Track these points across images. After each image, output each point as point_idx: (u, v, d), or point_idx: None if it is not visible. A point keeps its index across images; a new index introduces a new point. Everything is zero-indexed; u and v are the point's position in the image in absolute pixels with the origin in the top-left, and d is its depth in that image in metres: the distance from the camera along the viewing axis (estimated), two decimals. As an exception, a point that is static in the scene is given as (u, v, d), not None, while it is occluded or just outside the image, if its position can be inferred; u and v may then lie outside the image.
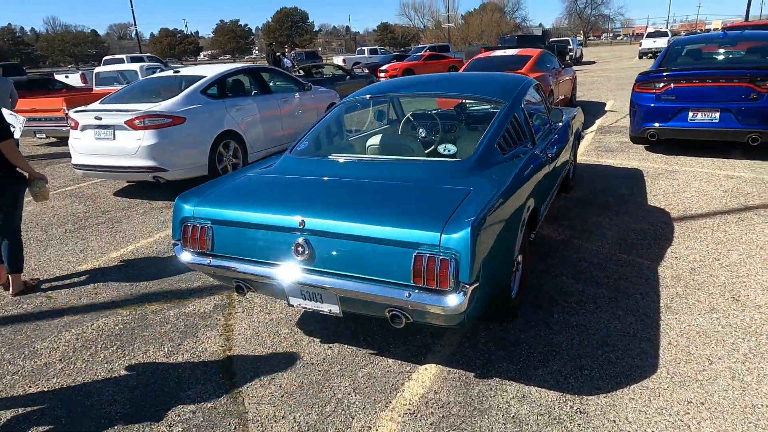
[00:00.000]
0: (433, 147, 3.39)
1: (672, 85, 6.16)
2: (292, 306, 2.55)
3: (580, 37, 68.35)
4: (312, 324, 3.06)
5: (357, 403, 2.37)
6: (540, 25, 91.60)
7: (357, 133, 4.21)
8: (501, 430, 2.14)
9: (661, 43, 30.72)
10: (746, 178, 5.37)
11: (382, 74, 20.80)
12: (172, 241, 2.82)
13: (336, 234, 2.28)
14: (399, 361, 2.66)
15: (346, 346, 2.82)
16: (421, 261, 2.09)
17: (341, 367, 2.64)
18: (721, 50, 6.84)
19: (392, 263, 2.17)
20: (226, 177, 3.02)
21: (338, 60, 30.41)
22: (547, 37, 27.82)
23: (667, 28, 56.24)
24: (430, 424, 2.20)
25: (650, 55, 30.61)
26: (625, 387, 2.35)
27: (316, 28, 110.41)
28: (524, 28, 78.79)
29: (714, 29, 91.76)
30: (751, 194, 4.87)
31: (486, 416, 2.23)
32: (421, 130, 3.74)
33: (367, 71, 20.97)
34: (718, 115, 5.89)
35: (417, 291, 2.12)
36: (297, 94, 7.79)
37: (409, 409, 2.31)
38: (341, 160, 2.96)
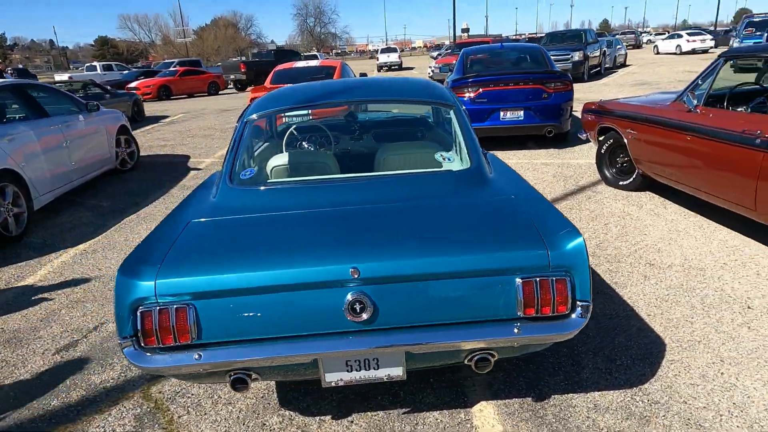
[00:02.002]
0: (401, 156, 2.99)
1: (481, 89, 6.91)
2: (328, 384, 1.90)
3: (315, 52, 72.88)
4: (298, 399, 2.37)
5: (448, 479, 1.89)
6: (272, 41, 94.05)
7: (291, 150, 3.48)
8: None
9: (394, 57, 34.91)
10: (558, 164, 6.38)
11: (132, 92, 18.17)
12: (119, 342, 1.80)
13: (404, 277, 1.76)
14: (446, 412, 2.24)
15: (368, 415, 2.26)
16: (531, 287, 1.75)
17: (389, 441, 2.09)
18: (503, 58, 8.00)
19: (489, 298, 1.78)
20: (155, 236, 2.06)
21: (61, 77, 25.50)
22: (294, 55, 28.53)
23: (387, 44, 65.22)
24: (547, 472, 1.90)
25: (386, 68, 34.35)
26: (659, 366, 2.44)
27: (9, 42, 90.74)
28: (261, 45, 79.81)
29: (418, 47, 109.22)
30: (572, 176, 5.78)
31: (586, 440, 2.03)
32: (366, 139, 3.29)
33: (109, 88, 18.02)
34: (522, 113, 6.85)
35: (527, 323, 1.79)
36: (80, 116, 6.15)
37: (509, 464, 1.95)
38: (322, 185, 2.35)
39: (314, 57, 30.46)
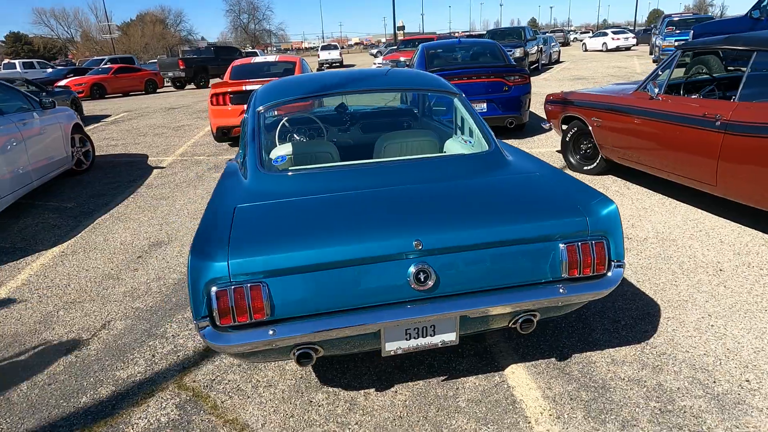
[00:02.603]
0: (420, 142, 3.11)
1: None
2: (387, 353, 2.01)
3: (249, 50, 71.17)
4: (338, 377, 2.46)
5: (501, 433, 2.06)
6: (202, 38, 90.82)
7: (302, 137, 3.53)
8: (638, 394, 2.22)
9: (335, 54, 34.86)
10: (521, 153, 6.73)
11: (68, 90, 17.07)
12: (195, 323, 1.82)
13: (461, 247, 1.91)
14: (481, 376, 2.41)
15: (409, 385, 2.39)
16: (573, 250, 1.95)
17: (436, 407, 2.23)
18: (462, 53, 8.30)
19: (536, 262, 1.96)
20: (209, 223, 2.07)
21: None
22: (235, 52, 27.82)
23: (322, 42, 65.09)
24: (586, 418, 2.11)
25: (327, 65, 34.23)
26: (658, 323, 2.73)
27: None
28: (192, 42, 76.90)
29: (354, 44, 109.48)
30: (537, 164, 6.13)
31: (613, 390, 2.26)
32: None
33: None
34: (485, 105, 7.15)
35: (570, 284, 1.98)
36: (35, 113, 5.82)
37: (551, 414, 2.14)
38: (357, 168, 2.44)
39: (254, 54, 29.84)
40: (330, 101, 4.05)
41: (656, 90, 4.29)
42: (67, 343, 2.92)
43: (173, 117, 12.48)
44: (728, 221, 3.99)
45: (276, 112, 3.57)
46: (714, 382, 2.27)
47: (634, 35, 30.95)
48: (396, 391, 2.35)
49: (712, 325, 2.68)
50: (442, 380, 2.40)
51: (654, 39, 19.93)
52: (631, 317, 2.81)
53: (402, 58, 17.40)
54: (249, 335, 1.80)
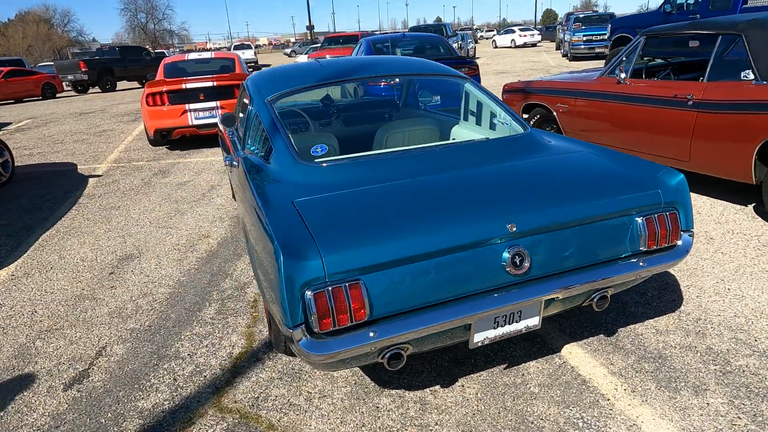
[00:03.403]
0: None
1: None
2: (475, 345, 1.91)
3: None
4: (395, 380, 2.32)
5: (586, 416, 2.03)
6: (94, 39, 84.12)
7: (327, 127, 3.30)
8: (695, 360, 2.29)
9: (249, 54, 33.71)
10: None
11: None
12: (288, 333, 1.59)
13: (552, 226, 1.86)
14: (541, 360, 2.38)
15: (473, 377, 2.30)
16: (651, 222, 1.96)
17: (511, 396, 2.16)
18: (408, 46, 8.31)
19: (619, 237, 1.95)
20: (274, 222, 1.82)
21: None
22: (143, 51, 26.06)
23: (229, 42, 63.00)
24: (659, 388, 2.14)
25: (250, 69, 32.99)
26: (681, 291, 2.85)
27: None
28: (83, 43, 71.10)
29: (263, 44, 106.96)
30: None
31: (671, 358, 2.32)
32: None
33: None
34: (439, 97, 7.19)
35: (648, 256, 1.99)
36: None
37: (625, 389, 2.15)
38: (407, 155, 2.30)
39: (163, 55, 28.09)
40: (320, 93, 3.86)
41: (623, 75, 4.51)
42: (60, 377, 2.51)
43: (90, 122, 11.37)
44: (699, 195, 4.29)
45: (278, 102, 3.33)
46: (755, 340, 2.40)
47: (539, 32, 32.91)
48: (463, 386, 2.25)
49: (728, 289, 2.85)
50: (504, 368, 2.34)
51: (562, 35, 21.29)
52: (655, 289, 2.91)
53: (328, 56, 17.21)
54: (349, 340, 1.62)
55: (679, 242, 2.07)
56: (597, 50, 17.05)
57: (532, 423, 2.01)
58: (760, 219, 3.72)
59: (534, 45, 32.00)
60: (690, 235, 2.10)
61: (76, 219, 4.85)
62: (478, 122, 3.08)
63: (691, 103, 3.88)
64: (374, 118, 3.75)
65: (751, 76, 3.58)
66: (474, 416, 2.07)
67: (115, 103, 15.64)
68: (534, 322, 1.97)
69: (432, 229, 1.74)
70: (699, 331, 2.50)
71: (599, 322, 2.63)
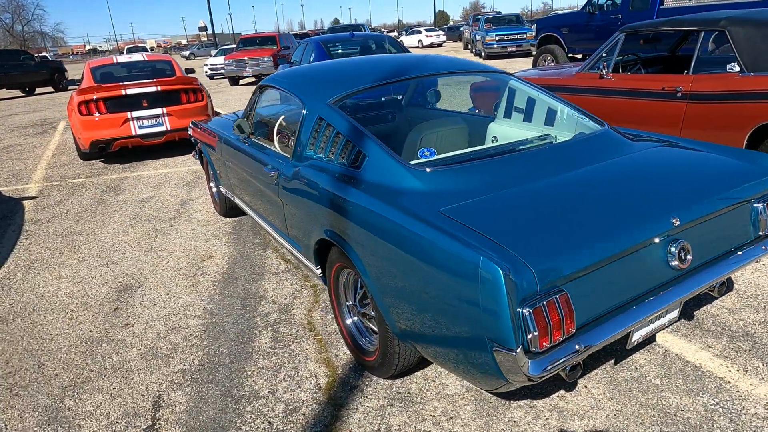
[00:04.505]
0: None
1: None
2: (632, 344, 1.87)
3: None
4: (506, 394, 2.22)
5: (721, 402, 2.07)
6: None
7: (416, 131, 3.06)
8: (724, 345, 2.44)
9: (138, 57, 31.37)
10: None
11: None
12: (509, 356, 1.41)
13: (703, 218, 1.87)
14: (643, 351, 2.39)
15: (590, 376, 2.26)
16: (771, 206, 2.04)
17: (639, 391, 2.15)
18: (358, 45, 8.17)
19: (747, 223, 2.01)
20: (440, 233, 1.64)
21: None
22: (23, 54, 23.28)
23: (111, 44, 58.41)
24: (766, 364, 2.23)
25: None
26: (723, 271, 3.04)
27: None
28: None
29: (151, 48, 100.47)
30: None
31: (758, 335, 2.44)
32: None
33: None
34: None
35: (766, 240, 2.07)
36: None
37: (738, 370, 2.22)
38: (526, 152, 2.20)
39: (47, 59, 25.27)
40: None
41: (605, 70, 4.75)
42: (122, 439, 2.10)
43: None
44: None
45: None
46: (817, 309, 2.61)
47: (444, 33, 34.10)
48: (587, 387, 2.20)
49: (765, 264, 3.08)
50: (614, 364, 2.33)
51: (471, 35, 22.19)
52: (700, 270, 3.07)
53: (246, 58, 16.40)
54: (558, 354, 1.49)
55: None
56: (509, 49, 17.96)
57: (675, 416, 2.01)
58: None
59: (440, 45, 33.11)
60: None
61: (34, 250, 4.15)
62: (527, 119, 3.05)
63: (680, 95, 4.16)
64: (411, 118, 3.59)
65: (737, 68, 3.91)
66: (616, 416, 2.03)
67: (4, 114, 13.77)
68: (674, 315, 1.96)
69: (614, 229, 1.67)
70: (765, 306, 2.67)
71: (673, 308, 2.71)
